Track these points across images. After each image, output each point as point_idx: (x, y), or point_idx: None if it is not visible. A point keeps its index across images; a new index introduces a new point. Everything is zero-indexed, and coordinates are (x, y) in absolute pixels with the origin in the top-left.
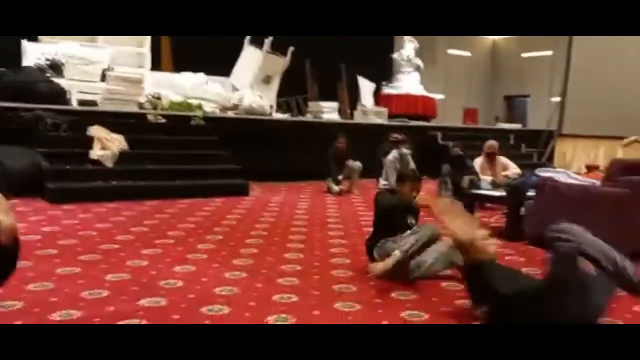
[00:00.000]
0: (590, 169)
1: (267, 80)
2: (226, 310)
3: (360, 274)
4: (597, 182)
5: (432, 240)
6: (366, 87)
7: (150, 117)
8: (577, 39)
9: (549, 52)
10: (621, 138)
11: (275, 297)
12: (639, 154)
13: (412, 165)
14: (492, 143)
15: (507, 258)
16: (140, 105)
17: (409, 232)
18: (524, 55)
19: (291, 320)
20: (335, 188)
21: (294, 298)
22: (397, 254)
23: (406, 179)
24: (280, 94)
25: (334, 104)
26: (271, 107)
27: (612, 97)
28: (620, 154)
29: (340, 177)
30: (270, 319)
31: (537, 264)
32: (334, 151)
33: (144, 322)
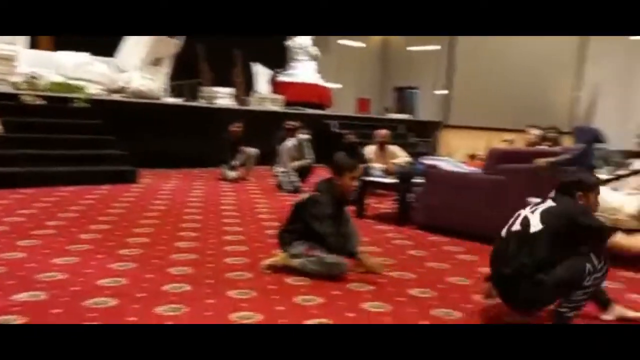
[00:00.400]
0: (472, 157)
1: (157, 62)
2: (113, 302)
3: (256, 261)
4: (477, 170)
5: (332, 274)
6: (262, 73)
7: (26, 99)
8: (461, 36)
9: (437, 47)
10: (500, 130)
11: (166, 287)
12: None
13: (311, 152)
14: (383, 132)
15: (396, 242)
16: (15, 86)
17: (323, 251)
18: (413, 49)
19: (184, 310)
20: (231, 174)
21: (186, 287)
22: (303, 262)
23: (345, 170)
24: (173, 77)
25: (229, 90)
26: (164, 90)
27: (492, 92)
28: (498, 144)
29: (235, 163)
30: (160, 310)
31: (425, 246)
32: (229, 136)
33: (20, 318)
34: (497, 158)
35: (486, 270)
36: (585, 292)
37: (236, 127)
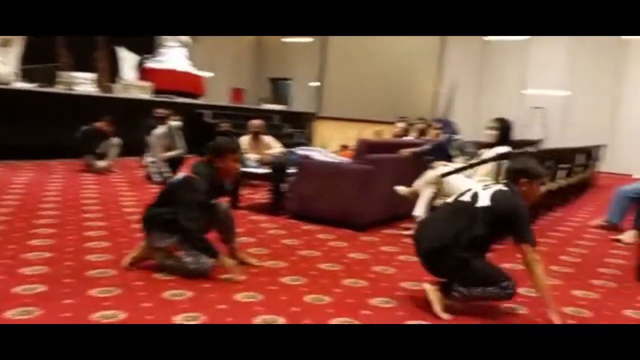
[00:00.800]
0: (344, 148)
1: (6, 43)
2: None
3: (120, 257)
4: (348, 160)
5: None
6: (128, 59)
7: None
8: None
9: (310, 39)
10: (371, 121)
11: (18, 289)
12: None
13: (182, 142)
14: (257, 122)
15: (270, 232)
16: None
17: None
18: (287, 40)
19: (37, 313)
20: (100, 164)
21: (41, 288)
22: (162, 261)
23: (228, 152)
24: (26, 61)
25: (91, 75)
26: (16, 74)
27: (363, 85)
28: (369, 135)
29: (100, 152)
30: (10, 314)
31: (298, 235)
32: (94, 129)
33: None
34: (365, 148)
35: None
36: (482, 294)
37: (103, 126)
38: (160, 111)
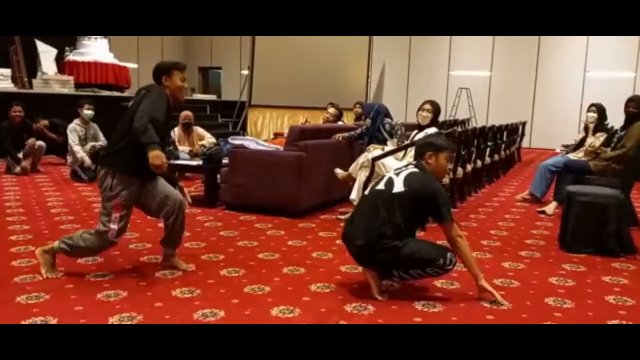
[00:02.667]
0: (277, 135)
1: None
2: None
3: None
4: (281, 148)
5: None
6: (46, 52)
7: None
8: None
9: None
10: (304, 108)
11: None
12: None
13: (100, 134)
14: (187, 113)
15: (206, 225)
16: None
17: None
18: None
19: None
20: (17, 168)
21: None
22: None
23: (174, 69)
24: None
25: (6, 71)
26: None
27: (295, 73)
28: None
29: (20, 154)
30: None
31: (234, 226)
32: (9, 124)
33: None
34: (297, 135)
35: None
36: (422, 274)
37: (16, 112)
38: (86, 105)
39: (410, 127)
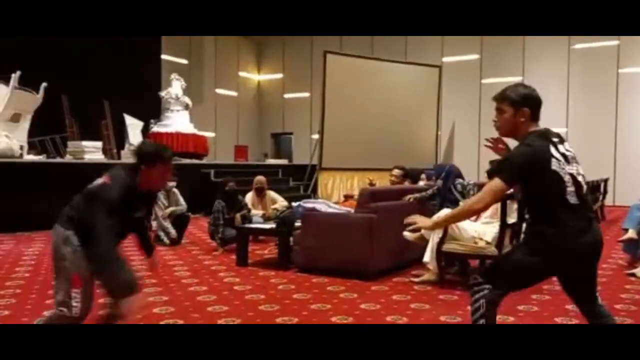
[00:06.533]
0: (347, 198)
1: (15, 118)
2: None
3: None
4: (352, 210)
5: None
6: (133, 125)
7: None
8: (329, 84)
9: (307, 94)
10: (372, 169)
11: None
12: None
13: (181, 199)
14: (260, 178)
15: (279, 287)
16: None
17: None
18: (286, 96)
19: None
20: None
21: None
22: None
23: (158, 160)
24: (34, 133)
25: (98, 144)
26: (21, 148)
27: (361, 135)
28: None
29: None
30: None
31: (307, 289)
32: None
33: None
34: (368, 197)
35: None
36: None
37: None
38: None
39: (482, 186)
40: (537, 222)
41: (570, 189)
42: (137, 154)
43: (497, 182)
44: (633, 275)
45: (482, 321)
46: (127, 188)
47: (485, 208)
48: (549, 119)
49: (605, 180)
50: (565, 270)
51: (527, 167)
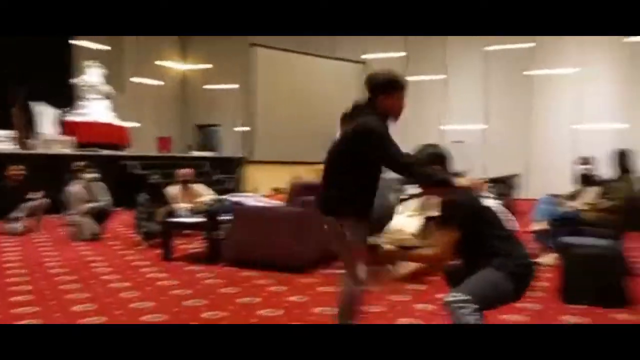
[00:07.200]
0: (277, 191)
1: None
2: None
3: (53, 320)
4: (281, 203)
5: None
6: (47, 113)
7: None
8: (258, 76)
9: (235, 85)
10: (303, 163)
11: None
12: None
13: (106, 193)
14: (186, 171)
15: (207, 282)
16: None
17: None
18: (212, 87)
19: None
20: (16, 227)
21: None
22: None
23: (398, 88)
24: None
25: (9, 132)
26: None
27: (293, 127)
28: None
29: (19, 214)
30: None
31: (234, 283)
32: (7, 183)
33: None
34: (298, 191)
35: None
36: None
37: (14, 171)
38: (77, 164)
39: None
40: None
41: None
42: (372, 82)
43: None
44: (538, 264)
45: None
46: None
47: None
48: (469, 116)
49: (514, 176)
50: None
51: None
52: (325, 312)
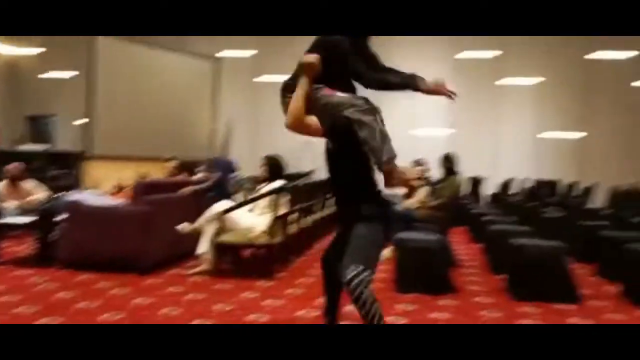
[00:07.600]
0: (120, 189)
1: None
2: None
3: None
4: (124, 201)
5: None
6: None
7: None
8: (101, 62)
9: (74, 73)
10: (148, 159)
11: None
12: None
13: None
14: (15, 166)
15: (40, 287)
16: None
17: None
18: (44, 76)
19: None
20: None
21: None
22: None
23: None
24: None
25: None
26: None
27: (140, 119)
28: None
29: None
30: None
31: (72, 287)
32: None
33: None
34: (143, 189)
35: None
36: None
37: None
38: None
39: (256, 180)
40: None
41: None
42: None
43: None
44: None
45: (376, 310)
46: None
47: None
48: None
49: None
50: None
51: None
52: (172, 312)
